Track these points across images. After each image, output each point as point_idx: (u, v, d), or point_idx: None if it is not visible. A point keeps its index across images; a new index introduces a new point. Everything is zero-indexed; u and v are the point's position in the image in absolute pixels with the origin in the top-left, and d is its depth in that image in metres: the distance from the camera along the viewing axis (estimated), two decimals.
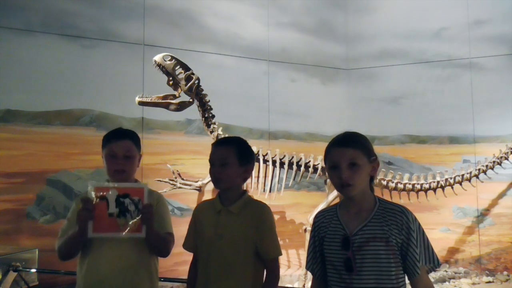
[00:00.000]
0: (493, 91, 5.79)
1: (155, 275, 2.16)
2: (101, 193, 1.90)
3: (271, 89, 5.97)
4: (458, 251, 5.74)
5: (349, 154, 1.64)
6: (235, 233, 1.93)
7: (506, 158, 5.16)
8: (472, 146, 5.79)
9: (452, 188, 5.08)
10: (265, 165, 4.79)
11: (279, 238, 2.01)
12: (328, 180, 4.76)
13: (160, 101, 4.31)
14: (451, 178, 5.07)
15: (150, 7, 5.39)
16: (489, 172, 5.17)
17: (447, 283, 5.08)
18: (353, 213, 1.69)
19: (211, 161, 2.00)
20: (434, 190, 5.05)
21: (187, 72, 4.34)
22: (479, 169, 5.15)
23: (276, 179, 4.76)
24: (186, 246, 2.06)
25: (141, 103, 4.29)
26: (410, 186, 5.00)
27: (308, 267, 1.81)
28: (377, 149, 1.74)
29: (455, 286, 5.00)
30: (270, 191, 4.77)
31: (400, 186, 4.99)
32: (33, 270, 3.77)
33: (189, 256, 2.09)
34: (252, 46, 5.96)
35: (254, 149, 4.52)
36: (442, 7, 6.11)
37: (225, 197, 2.01)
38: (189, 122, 5.44)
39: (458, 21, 6.00)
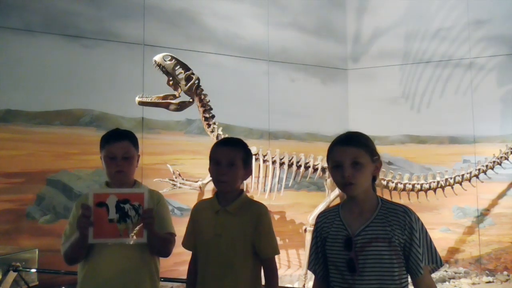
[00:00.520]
0: (493, 91, 5.79)
1: (156, 276, 2.16)
2: (101, 200, 1.90)
3: (271, 89, 5.97)
4: (458, 251, 5.74)
5: (352, 153, 1.64)
6: (233, 233, 1.94)
7: (506, 158, 5.15)
8: (472, 146, 5.79)
9: (452, 188, 5.08)
10: (265, 165, 4.79)
11: (279, 238, 2.03)
12: (328, 180, 4.76)
13: (160, 101, 4.31)
14: (451, 178, 5.07)
15: (150, 7, 5.39)
16: (489, 172, 5.16)
17: (447, 283, 5.08)
18: (355, 213, 1.68)
19: (216, 159, 1.98)
20: (434, 190, 5.05)
21: (187, 72, 4.34)
22: (479, 169, 5.15)
23: (276, 179, 4.75)
24: (186, 245, 2.08)
25: (141, 103, 4.29)
26: (410, 186, 5.00)
27: (310, 268, 1.80)
28: (377, 149, 1.73)
29: (455, 286, 4.99)
30: (270, 191, 4.77)
31: (400, 186, 4.99)
32: (33, 270, 3.76)
33: (189, 256, 2.09)
34: (252, 46, 5.95)
35: (254, 149, 4.53)
36: (442, 7, 6.11)
37: (223, 197, 2.01)
38: (189, 122, 5.43)
39: (458, 21, 6.00)
